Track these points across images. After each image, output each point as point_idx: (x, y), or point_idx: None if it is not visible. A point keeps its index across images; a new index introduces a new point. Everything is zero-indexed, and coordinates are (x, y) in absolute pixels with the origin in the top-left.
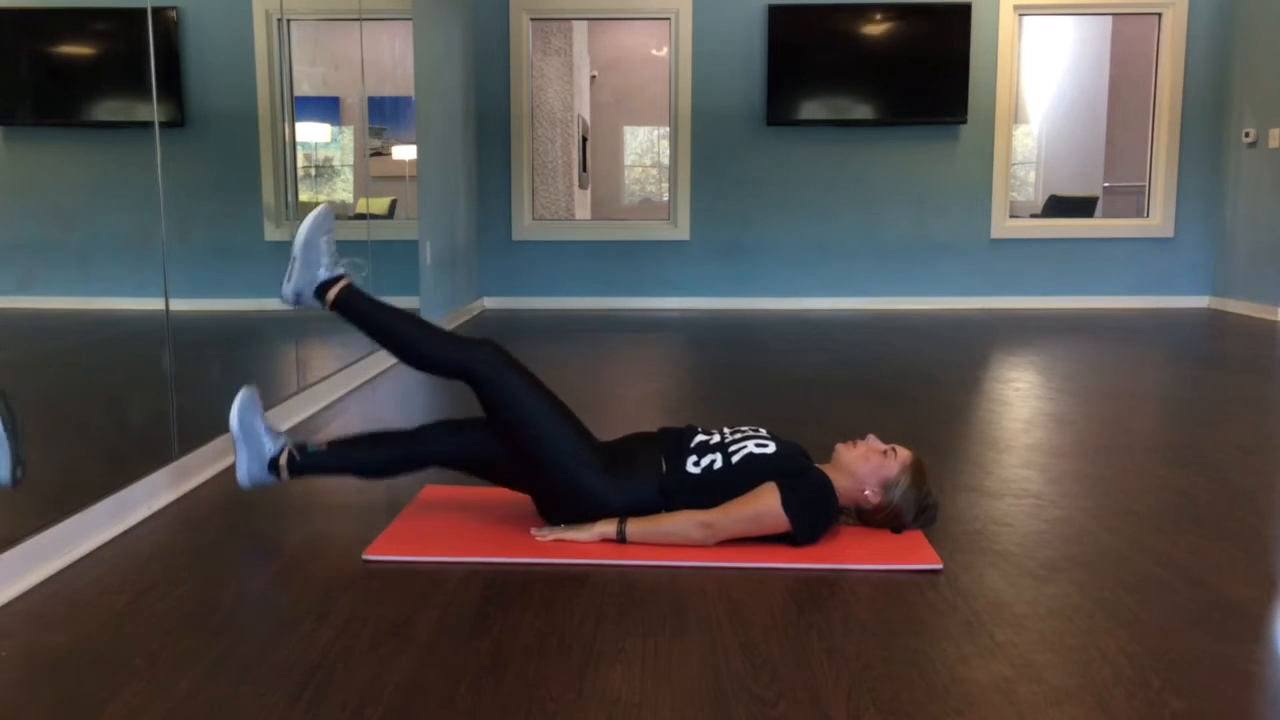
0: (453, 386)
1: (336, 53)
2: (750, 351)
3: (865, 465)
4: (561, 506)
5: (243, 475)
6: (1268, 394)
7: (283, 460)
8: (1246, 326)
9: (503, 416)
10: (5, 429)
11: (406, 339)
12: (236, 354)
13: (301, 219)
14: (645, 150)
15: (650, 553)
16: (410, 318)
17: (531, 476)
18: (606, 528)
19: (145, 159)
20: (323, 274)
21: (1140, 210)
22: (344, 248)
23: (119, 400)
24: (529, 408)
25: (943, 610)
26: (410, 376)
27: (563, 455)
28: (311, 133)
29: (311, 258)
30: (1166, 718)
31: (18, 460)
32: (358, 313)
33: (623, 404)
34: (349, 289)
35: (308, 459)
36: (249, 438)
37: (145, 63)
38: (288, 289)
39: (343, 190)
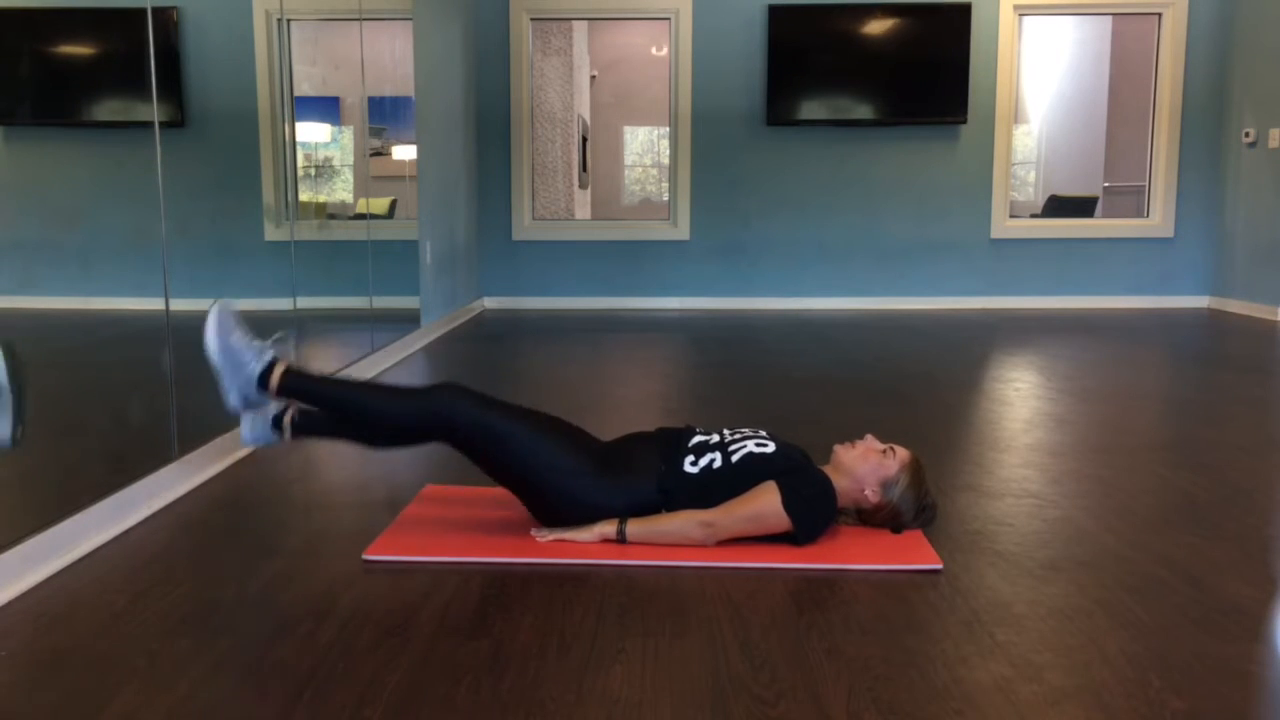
0: (454, 374)
1: (336, 53)
2: (750, 351)
3: (864, 465)
4: (562, 518)
5: (233, 401)
6: (1268, 394)
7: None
8: (1246, 326)
9: (488, 453)
10: (9, 385)
11: (367, 413)
12: None
13: (302, 216)
14: (645, 150)
15: (650, 553)
16: (362, 385)
17: (529, 496)
18: (607, 528)
19: (145, 159)
20: (255, 367)
21: (1140, 210)
22: (344, 247)
23: (119, 400)
24: (512, 436)
25: (943, 610)
26: (408, 377)
27: (556, 474)
28: (311, 133)
29: (234, 360)
30: (1166, 718)
31: (19, 419)
32: (307, 393)
33: (623, 404)
34: (289, 372)
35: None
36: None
37: (145, 63)
38: (232, 400)
39: (343, 190)
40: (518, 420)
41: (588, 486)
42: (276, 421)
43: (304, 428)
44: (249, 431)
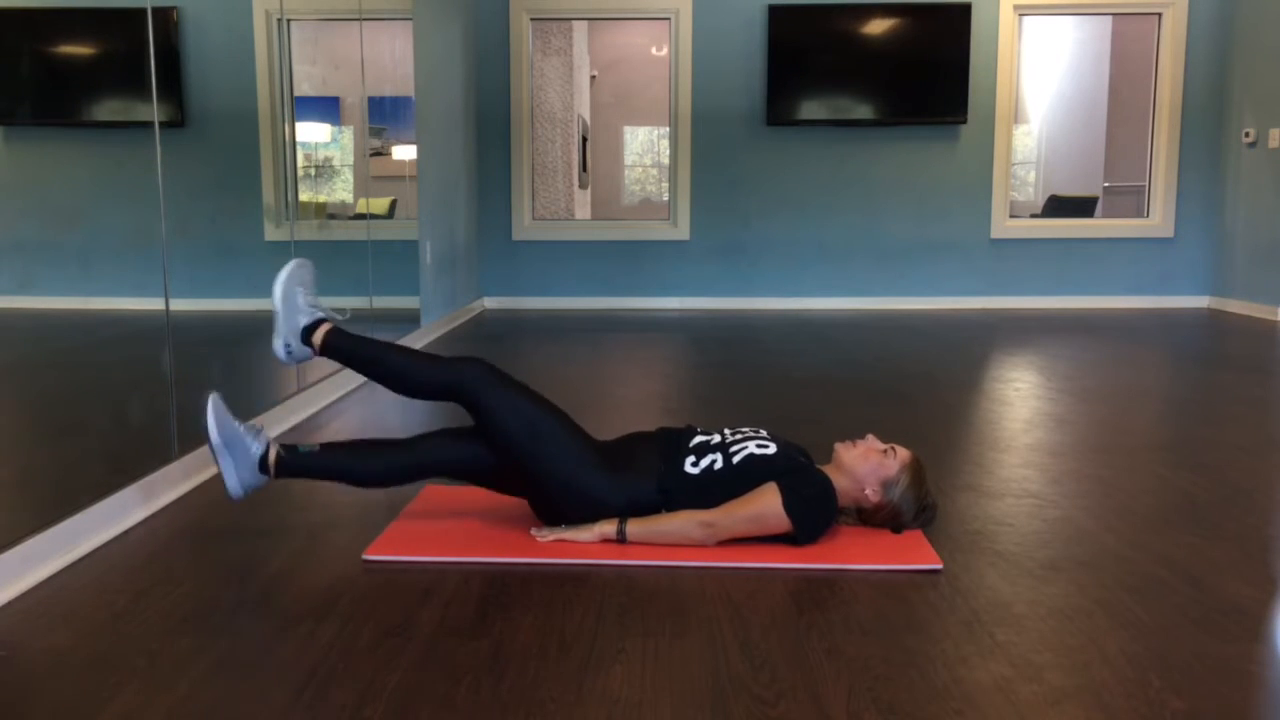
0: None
1: (336, 53)
2: (750, 351)
3: (865, 464)
4: (561, 511)
5: (234, 485)
6: (1268, 394)
7: (271, 458)
8: (1246, 326)
9: (497, 430)
10: None
11: (394, 369)
12: (236, 354)
13: (302, 216)
14: (645, 150)
15: (650, 553)
16: (395, 347)
17: (530, 485)
18: (607, 528)
19: (145, 159)
20: (304, 319)
21: (1140, 210)
22: (344, 247)
23: (119, 400)
24: (523, 417)
25: (943, 610)
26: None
27: (560, 461)
28: (311, 133)
29: (291, 308)
30: (1166, 718)
31: None
32: (345, 351)
33: (623, 404)
34: (334, 331)
35: (299, 459)
36: (232, 444)
37: (145, 63)
38: (277, 343)
39: (343, 190)
40: (535, 402)
41: (591, 477)
42: (262, 464)
43: (292, 468)
44: (237, 482)
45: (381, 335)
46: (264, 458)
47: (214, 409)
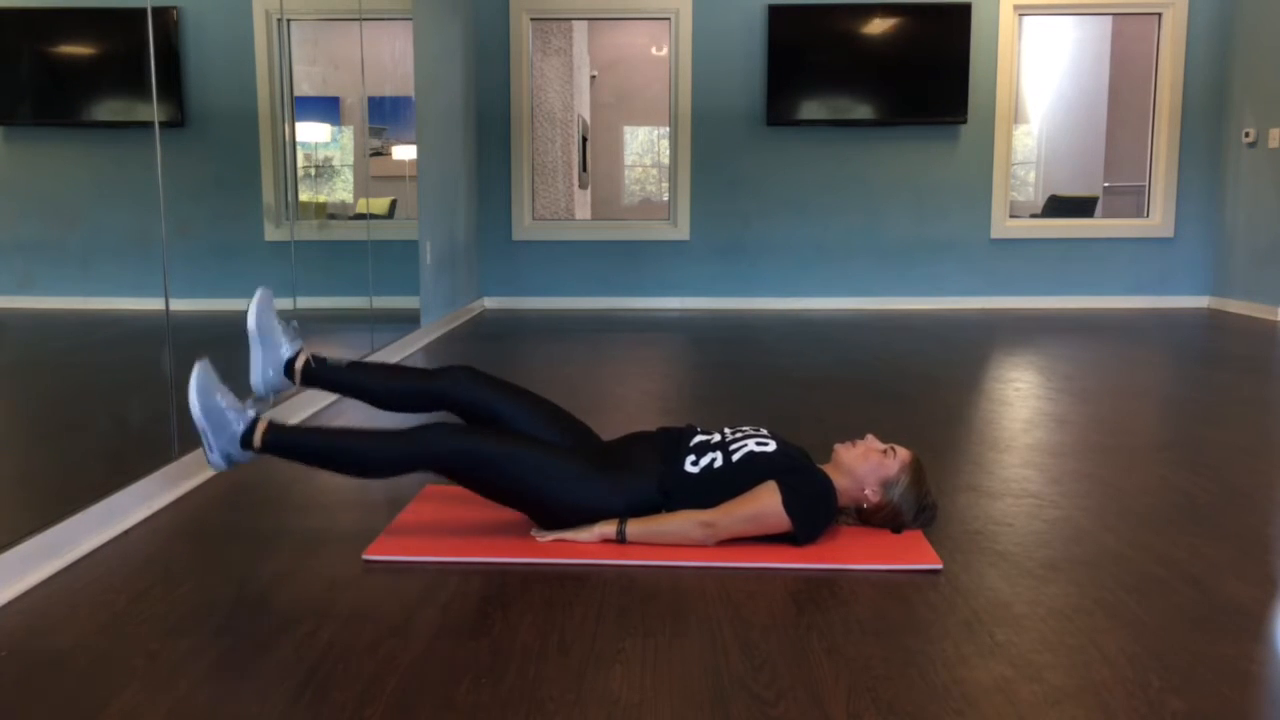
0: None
1: (336, 53)
2: (750, 351)
3: (865, 464)
4: (566, 523)
5: (257, 379)
6: (1268, 394)
7: (299, 364)
8: (1246, 326)
9: (489, 475)
10: None
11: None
12: (236, 354)
13: (302, 216)
14: (645, 150)
15: (650, 553)
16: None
17: (532, 509)
18: (607, 528)
19: (145, 159)
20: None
21: (1140, 210)
22: (343, 247)
23: (119, 400)
24: (506, 460)
25: (943, 610)
26: None
27: (554, 485)
28: (311, 133)
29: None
30: (1166, 718)
31: None
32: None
33: (623, 404)
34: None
35: (326, 370)
36: (266, 338)
37: (145, 63)
38: (255, 376)
39: (343, 190)
40: (519, 404)
41: (589, 489)
42: (288, 367)
43: (318, 377)
44: (260, 378)
45: (381, 335)
46: (291, 362)
47: (259, 298)
